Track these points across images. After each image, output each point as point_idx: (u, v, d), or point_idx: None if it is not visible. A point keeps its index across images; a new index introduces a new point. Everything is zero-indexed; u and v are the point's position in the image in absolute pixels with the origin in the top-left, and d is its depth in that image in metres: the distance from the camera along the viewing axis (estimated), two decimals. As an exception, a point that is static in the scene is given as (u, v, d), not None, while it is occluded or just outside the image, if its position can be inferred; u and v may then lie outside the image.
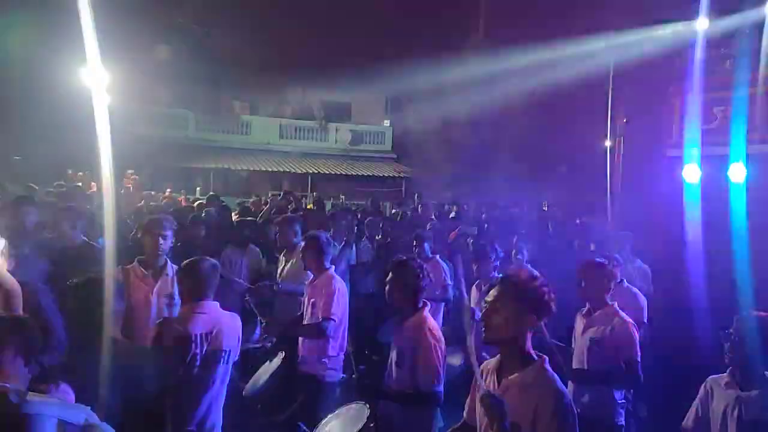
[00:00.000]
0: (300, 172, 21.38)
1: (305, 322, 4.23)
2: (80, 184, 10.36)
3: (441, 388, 3.01)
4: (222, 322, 3.17)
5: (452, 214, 12.07)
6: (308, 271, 4.43)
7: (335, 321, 4.03)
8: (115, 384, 3.04)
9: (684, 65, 7.55)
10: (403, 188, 22.64)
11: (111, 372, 3.00)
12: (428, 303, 3.29)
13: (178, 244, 5.36)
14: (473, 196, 17.52)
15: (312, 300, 4.17)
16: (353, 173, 22.05)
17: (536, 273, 2.51)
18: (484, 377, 2.48)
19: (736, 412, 2.62)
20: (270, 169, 20.88)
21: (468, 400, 2.59)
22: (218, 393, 3.16)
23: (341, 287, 4.17)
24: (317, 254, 4.26)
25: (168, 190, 13.33)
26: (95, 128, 4.46)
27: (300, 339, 4.27)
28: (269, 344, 4.64)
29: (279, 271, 5.43)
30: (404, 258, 3.41)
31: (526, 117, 20.22)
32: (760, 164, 5.83)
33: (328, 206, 15.64)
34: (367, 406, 3.10)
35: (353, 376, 3.49)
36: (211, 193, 12.32)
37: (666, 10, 9.52)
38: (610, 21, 13.10)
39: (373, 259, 7.00)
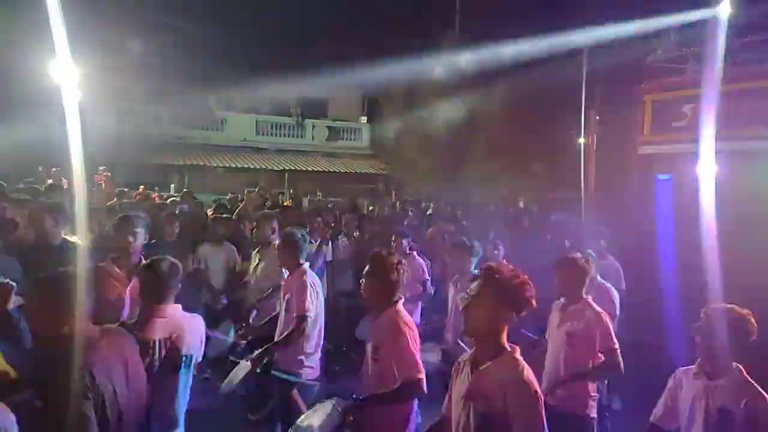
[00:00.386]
0: (277, 168, 21.22)
1: (281, 321, 4.21)
2: (50, 181, 10.12)
3: (423, 375, 3.00)
4: (183, 326, 3.04)
5: (429, 211, 12.10)
6: (283, 269, 4.41)
7: (311, 316, 4.01)
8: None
9: (654, 63, 7.71)
10: (381, 184, 22.66)
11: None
12: (402, 297, 3.28)
13: (152, 241, 5.30)
14: (450, 193, 17.64)
15: (287, 297, 4.15)
16: (330, 170, 21.97)
17: (516, 269, 2.54)
18: (460, 369, 2.51)
19: (704, 401, 2.69)
20: (246, 166, 20.68)
21: (447, 398, 2.61)
22: (180, 398, 3.03)
23: (315, 283, 4.17)
24: (292, 251, 4.24)
25: (141, 187, 13.09)
26: (66, 125, 4.36)
27: (276, 335, 4.25)
28: (245, 342, 4.62)
29: (252, 268, 5.39)
30: (381, 252, 3.41)
31: (502, 113, 20.38)
32: (729, 161, 5.96)
33: (306, 203, 15.59)
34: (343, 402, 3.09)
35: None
36: (185, 190, 12.18)
37: (637, 8, 9.67)
38: (584, 18, 13.27)
39: (350, 256, 7.00)
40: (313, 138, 23.77)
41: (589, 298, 3.80)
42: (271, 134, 23.21)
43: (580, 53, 12.01)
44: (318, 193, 18.85)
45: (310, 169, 21.58)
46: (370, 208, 13.09)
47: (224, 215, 7.25)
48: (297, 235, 4.32)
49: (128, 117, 19.20)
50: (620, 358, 3.58)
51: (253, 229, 5.78)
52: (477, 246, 5.28)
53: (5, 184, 8.02)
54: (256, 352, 4.02)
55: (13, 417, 1.98)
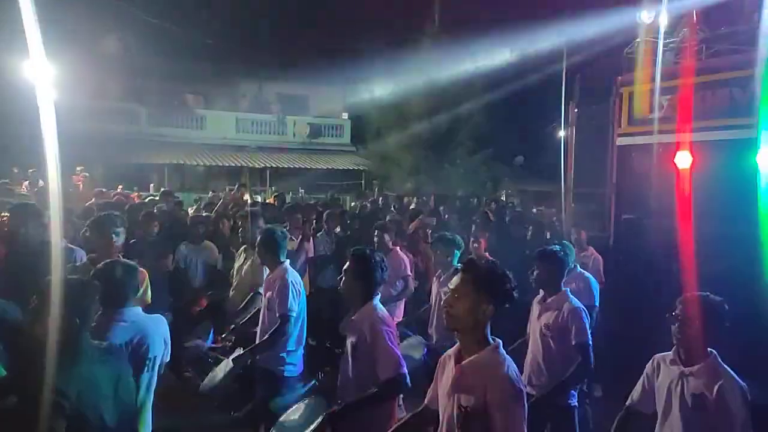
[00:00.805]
0: (258, 166, 21.10)
1: (262, 319, 4.19)
2: (27, 183, 9.96)
3: (405, 370, 2.99)
4: (145, 329, 2.97)
5: (412, 206, 12.11)
6: (264, 267, 4.38)
7: (293, 316, 4.00)
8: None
9: (631, 56, 7.80)
10: (363, 180, 22.65)
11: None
12: (379, 293, 3.27)
13: (131, 241, 5.24)
14: (432, 187, 17.69)
15: (268, 295, 4.13)
16: (312, 166, 21.90)
17: (497, 262, 2.55)
18: (444, 364, 2.53)
19: (679, 387, 2.73)
20: (227, 164, 20.52)
21: (430, 389, 2.63)
22: (144, 401, 2.97)
23: (296, 280, 4.14)
24: (272, 249, 4.21)
25: (120, 186, 12.93)
26: (41, 124, 4.28)
27: (258, 333, 4.23)
28: (228, 344, 4.59)
29: (236, 267, 5.35)
30: (361, 249, 3.40)
31: (483, 107, 20.49)
32: (706, 151, 6.06)
33: (288, 199, 15.52)
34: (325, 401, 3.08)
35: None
36: (164, 189, 12.05)
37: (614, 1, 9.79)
38: (562, 9, 13.41)
39: (332, 252, 6.98)
40: (294, 135, 23.67)
41: (568, 291, 3.84)
42: (252, 132, 23.07)
43: (559, 44, 12.17)
44: (300, 190, 18.77)
45: (291, 166, 21.49)
46: (353, 203, 13.06)
47: (205, 214, 7.20)
48: (277, 232, 4.29)
49: (105, 116, 18.95)
50: (591, 355, 3.63)
51: (234, 228, 5.70)
52: (459, 240, 5.29)
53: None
54: (238, 353, 4.00)
55: None
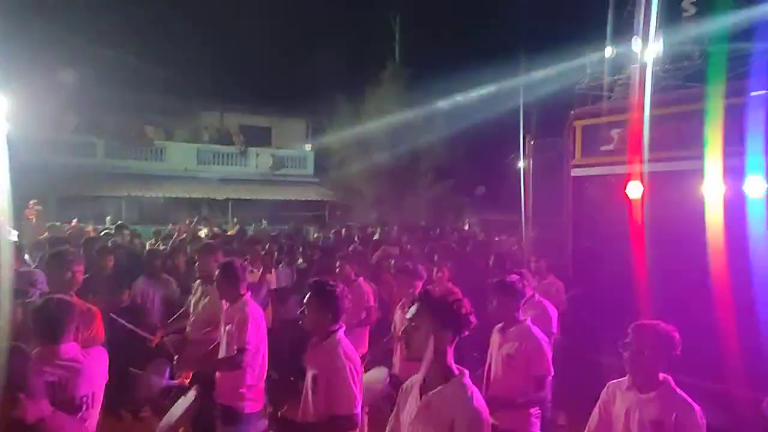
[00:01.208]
0: (220, 198, 20.85)
1: (221, 353, 4.09)
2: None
3: (359, 410, 2.98)
4: (79, 365, 2.88)
5: (376, 236, 12.14)
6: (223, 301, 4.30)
7: (250, 350, 3.92)
8: None
9: (583, 91, 8.14)
10: (326, 211, 22.63)
11: None
12: (343, 325, 3.25)
13: (86, 276, 5.08)
14: (396, 217, 17.80)
15: (227, 328, 4.05)
16: (275, 198, 21.76)
17: (454, 290, 2.58)
18: (408, 393, 2.52)
19: (637, 414, 2.78)
20: (187, 196, 20.21)
21: (391, 418, 2.61)
22: None
23: (257, 314, 4.07)
24: (232, 282, 4.14)
25: (74, 220, 12.56)
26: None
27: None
28: (186, 380, 4.46)
29: (192, 302, 5.15)
30: (321, 280, 3.39)
31: (445, 139, 20.89)
32: (655, 182, 6.31)
33: (250, 231, 15.33)
34: None
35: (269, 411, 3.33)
36: (120, 222, 11.77)
37: (569, 38, 10.23)
38: (521, 45, 13.94)
39: (294, 284, 6.93)
40: (257, 166, 23.56)
41: (528, 320, 3.90)
42: (214, 163, 22.85)
43: (517, 78, 12.60)
44: (263, 222, 18.60)
45: (254, 198, 21.30)
46: (315, 235, 13.00)
47: (162, 247, 7.06)
48: (236, 264, 4.23)
49: (61, 148, 18.50)
50: (548, 388, 3.69)
51: (191, 261, 5.54)
52: (421, 270, 5.32)
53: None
54: (195, 390, 3.90)
55: None
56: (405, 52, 23.61)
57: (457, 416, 2.24)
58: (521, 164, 11.44)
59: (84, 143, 19.97)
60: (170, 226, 13.27)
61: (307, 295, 3.29)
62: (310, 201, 22.49)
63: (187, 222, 11.93)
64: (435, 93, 19.65)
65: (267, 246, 7.05)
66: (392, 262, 7.57)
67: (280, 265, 7.10)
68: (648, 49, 7.14)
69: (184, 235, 9.58)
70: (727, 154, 5.57)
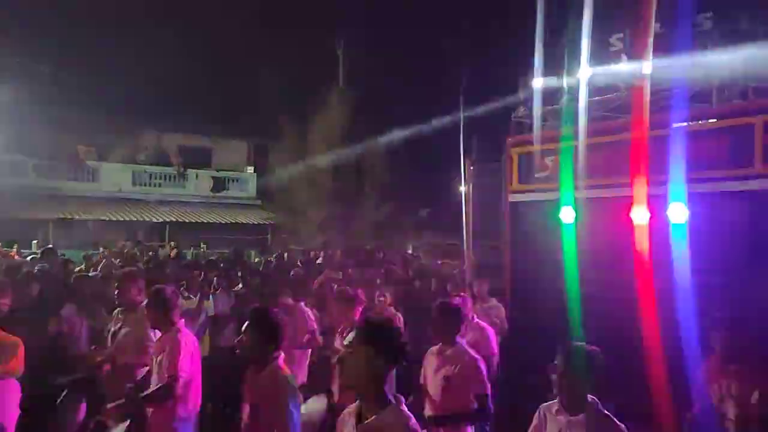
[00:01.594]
0: (157, 220, 20.19)
1: (153, 386, 3.92)
2: None
3: None
4: None
5: (319, 260, 12.06)
6: (154, 331, 4.13)
7: (183, 377, 3.78)
8: None
9: (518, 119, 8.43)
10: (269, 235, 22.29)
11: None
12: (282, 352, 3.20)
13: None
14: (339, 241, 17.73)
15: (158, 358, 3.89)
16: (215, 221, 21.29)
17: (393, 317, 2.59)
18: (343, 422, 2.48)
19: (568, 436, 2.85)
20: (122, 218, 19.46)
21: None
22: None
23: (190, 342, 3.94)
24: (163, 309, 3.99)
25: (-2, 244, 11.86)
26: None
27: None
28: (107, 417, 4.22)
29: (111, 332, 4.84)
30: (260, 306, 3.34)
31: (389, 162, 21.12)
32: (587, 208, 6.57)
33: (189, 255, 14.90)
34: None
35: None
36: (48, 246, 11.19)
37: (507, 67, 10.60)
38: (460, 73, 14.35)
39: (232, 310, 6.76)
40: (196, 188, 23.02)
41: (464, 343, 3.96)
42: (151, 185, 22.16)
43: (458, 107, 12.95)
44: (202, 246, 18.11)
45: (193, 220, 20.75)
46: (256, 259, 12.77)
47: (92, 273, 6.74)
48: (166, 291, 4.07)
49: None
50: (490, 404, 3.75)
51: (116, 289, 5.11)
52: (360, 295, 5.31)
53: None
54: (125, 423, 3.71)
55: None
56: (349, 76, 23.84)
57: None
58: (462, 188, 11.68)
59: (11, 163, 18.96)
60: (101, 250, 12.70)
61: (246, 323, 3.22)
62: (252, 224, 22.11)
63: (120, 246, 11.46)
64: (379, 117, 19.90)
65: (203, 271, 6.84)
66: (335, 287, 7.53)
67: (218, 291, 6.92)
68: (577, 80, 7.49)
69: (117, 260, 9.19)
70: (652, 183, 5.87)
